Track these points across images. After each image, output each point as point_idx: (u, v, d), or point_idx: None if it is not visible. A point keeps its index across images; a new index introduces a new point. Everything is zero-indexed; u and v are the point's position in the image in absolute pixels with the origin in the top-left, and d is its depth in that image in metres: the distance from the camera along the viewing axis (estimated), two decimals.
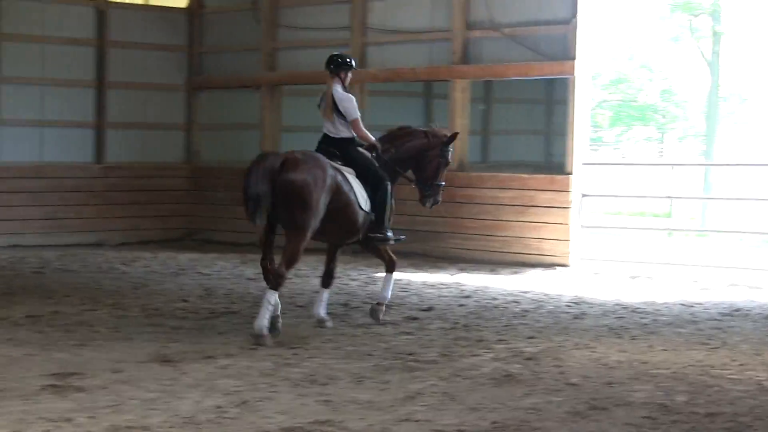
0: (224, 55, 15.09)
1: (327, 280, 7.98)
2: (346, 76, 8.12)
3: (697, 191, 25.93)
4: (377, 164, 8.00)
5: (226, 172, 14.33)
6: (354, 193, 7.68)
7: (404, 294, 9.67)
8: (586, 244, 12.56)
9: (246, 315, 8.22)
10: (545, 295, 9.89)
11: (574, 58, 11.77)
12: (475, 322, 8.34)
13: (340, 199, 7.56)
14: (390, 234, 7.98)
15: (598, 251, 13.18)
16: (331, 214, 7.45)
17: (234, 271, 11.43)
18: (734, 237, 17.82)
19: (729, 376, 6.36)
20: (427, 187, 8.28)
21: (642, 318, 8.67)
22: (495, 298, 9.58)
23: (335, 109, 7.89)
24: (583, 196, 11.83)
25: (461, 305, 9.20)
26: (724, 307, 9.22)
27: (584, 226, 12.19)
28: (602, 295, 10.03)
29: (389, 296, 8.25)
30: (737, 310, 9.07)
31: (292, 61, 14.35)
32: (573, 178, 11.74)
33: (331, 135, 7.97)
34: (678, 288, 10.61)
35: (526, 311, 8.95)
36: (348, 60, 8.19)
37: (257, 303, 7.87)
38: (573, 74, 11.87)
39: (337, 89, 7.96)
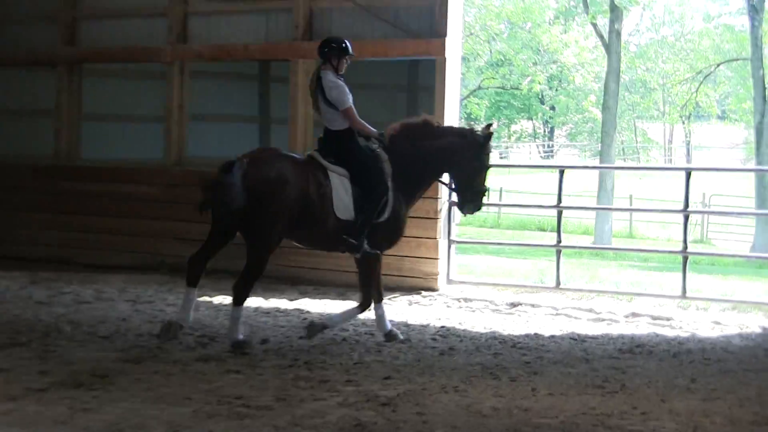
0: (13, 27, 15.62)
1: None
2: (339, 62, 9.51)
3: (592, 199, 29.46)
4: (379, 163, 9.39)
5: (11, 169, 14.96)
6: (329, 197, 9.13)
7: (226, 321, 9.95)
8: (458, 263, 13.58)
9: (36, 348, 8.63)
10: (406, 325, 10.71)
11: (443, 36, 12.66)
12: (320, 359, 8.88)
13: (309, 204, 9.02)
14: (364, 244, 9.32)
15: (472, 272, 14.65)
16: (298, 220, 8.99)
17: (20, 293, 11.87)
18: (637, 255, 20.18)
19: (629, 427, 6.95)
20: (467, 194, 9.80)
21: (523, 355, 9.36)
22: (344, 329, 10.27)
23: (323, 98, 9.35)
24: (452, 204, 12.47)
25: (303, 338, 9.83)
26: (624, 342, 10.08)
27: (455, 242, 13.21)
28: (476, 326, 10.96)
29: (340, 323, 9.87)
30: (639, 345, 9.91)
31: (96, 35, 14.87)
32: (440, 184, 12.09)
33: (328, 128, 9.47)
34: (568, 318, 11.58)
35: (382, 345, 9.60)
36: (343, 44, 9.51)
37: (48, 333, 8.66)
38: (442, 55, 12.81)
39: (327, 75, 9.40)
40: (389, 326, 9.80)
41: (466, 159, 9.71)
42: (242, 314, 9.12)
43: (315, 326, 9.53)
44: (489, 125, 9.88)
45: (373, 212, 9.27)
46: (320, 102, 9.46)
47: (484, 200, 9.98)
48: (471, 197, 9.79)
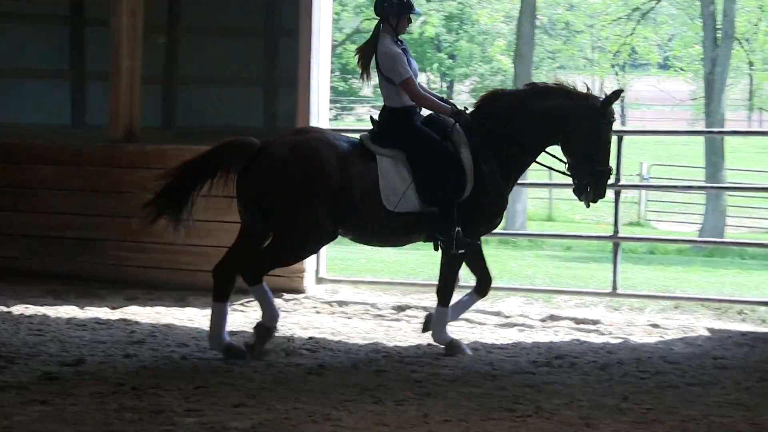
0: None
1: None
2: (399, 22, 9.98)
3: None
4: (445, 144, 9.81)
5: None
6: (376, 185, 9.68)
7: (37, 339, 10.56)
8: (328, 256, 14.29)
9: None
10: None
11: None
12: (152, 383, 9.03)
13: (349, 194, 9.65)
14: (456, 236, 9.77)
15: (348, 268, 15.10)
16: (344, 211, 9.70)
17: None
18: (557, 243, 20.75)
19: None
20: (584, 176, 9.94)
21: (413, 372, 9.62)
22: (184, 344, 10.64)
23: (378, 69, 9.95)
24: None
25: (129, 356, 10.06)
26: (539, 353, 10.45)
27: None
28: (353, 337, 11.42)
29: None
30: (558, 357, 10.25)
31: None
32: None
33: (386, 104, 10.03)
34: (470, 324, 12.05)
35: (233, 363, 9.84)
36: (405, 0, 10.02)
37: None
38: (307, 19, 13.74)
39: (384, 41, 9.92)
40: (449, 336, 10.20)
41: (580, 129, 9.91)
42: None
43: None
44: (619, 91, 10.13)
45: (449, 201, 9.70)
46: (377, 74, 10.06)
47: (608, 184, 10.10)
48: (590, 180, 9.89)
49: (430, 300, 13.31)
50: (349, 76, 55.47)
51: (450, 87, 60.99)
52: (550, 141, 10.09)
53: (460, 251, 9.96)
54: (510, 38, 45.41)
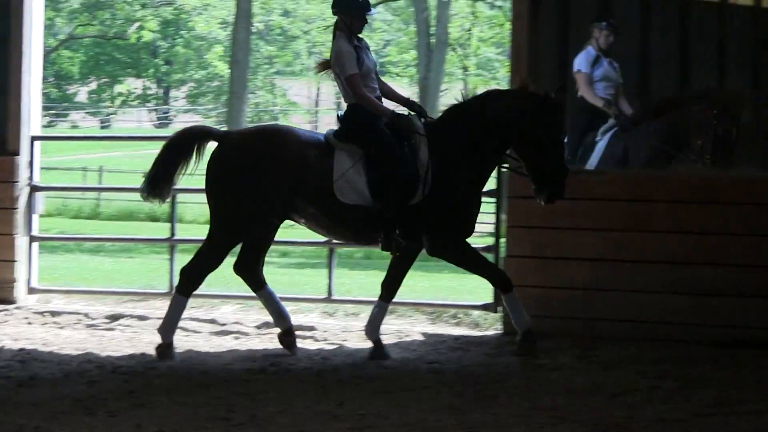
0: None
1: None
2: (352, 21, 10.30)
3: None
4: (397, 142, 10.07)
5: None
6: (331, 176, 10.02)
7: None
8: (40, 265, 14.14)
9: None
10: None
11: None
12: None
13: (305, 182, 10.07)
14: (394, 237, 10.08)
15: (62, 277, 14.90)
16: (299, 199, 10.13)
17: None
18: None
19: None
20: (542, 175, 10.09)
21: (126, 381, 9.51)
22: None
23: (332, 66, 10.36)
24: (35, 189, 13.23)
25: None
26: (254, 361, 10.51)
27: (39, 238, 14.01)
28: (65, 348, 11.17)
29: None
30: (273, 364, 10.32)
31: None
32: (18, 162, 13.24)
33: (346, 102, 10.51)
34: (184, 332, 11.85)
35: None
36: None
37: None
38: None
39: (337, 41, 10.27)
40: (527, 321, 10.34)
41: (534, 128, 10.10)
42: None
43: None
44: (562, 86, 10.61)
45: (395, 200, 10.00)
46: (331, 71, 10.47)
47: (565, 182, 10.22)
48: (549, 178, 10.03)
49: (144, 308, 13.42)
50: (63, 82, 54.65)
51: (166, 93, 60.51)
52: (507, 143, 10.35)
53: (397, 253, 10.26)
54: (227, 44, 45.24)
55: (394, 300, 11.17)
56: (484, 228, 16.44)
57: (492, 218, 12.58)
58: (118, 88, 56.87)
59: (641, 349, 10.77)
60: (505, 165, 10.89)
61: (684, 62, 12.11)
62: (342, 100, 10.70)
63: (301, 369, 10.52)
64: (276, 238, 11.02)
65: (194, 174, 11.33)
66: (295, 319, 12.23)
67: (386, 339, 11.47)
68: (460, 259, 10.56)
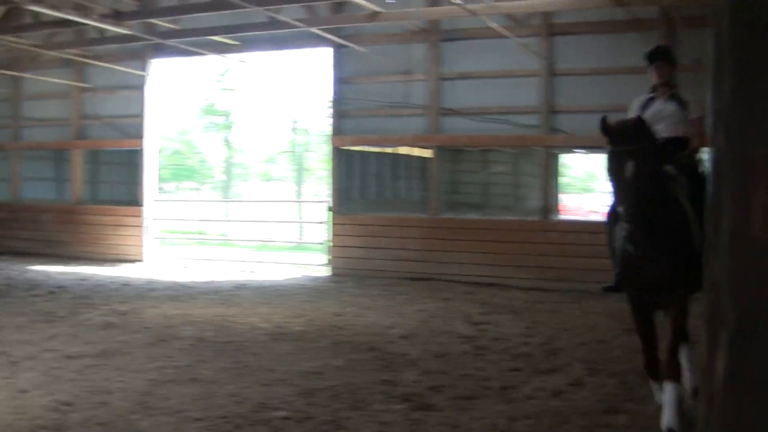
0: None
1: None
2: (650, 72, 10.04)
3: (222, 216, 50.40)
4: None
5: None
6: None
7: (45, 279, 21.34)
8: (155, 248, 26.88)
9: None
10: (131, 278, 21.76)
11: (143, 137, 26.80)
12: (90, 294, 18.25)
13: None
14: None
15: (164, 253, 27.49)
16: None
17: None
18: (243, 244, 34.28)
19: (238, 321, 14.67)
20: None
21: (187, 290, 19.23)
22: (101, 281, 21.05)
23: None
24: (152, 219, 26.86)
25: (81, 284, 19.90)
26: (234, 285, 20.69)
27: (155, 237, 26.93)
28: (165, 278, 21.68)
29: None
30: (242, 285, 20.37)
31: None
32: (145, 209, 26.66)
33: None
34: (208, 273, 23.37)
35: (120, 287, 19.57)
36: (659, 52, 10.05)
37: None
38: (143, 147, 27.61)
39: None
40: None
41: None
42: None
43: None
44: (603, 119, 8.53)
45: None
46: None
47: None
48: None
49: (196, 266, 25.28)
50: (162, 181, 67.94)
51: None
52: None
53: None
54: None
55: None
56: None
57: None
58: (182, 185, 70.45)
59: None
60: None
61: None
62: None
63: (252, 287, 19.70)
64: None
65: None
66: None
67: None
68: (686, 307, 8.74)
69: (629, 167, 8.04)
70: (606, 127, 8.39)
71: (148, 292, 19.45)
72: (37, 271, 23.67)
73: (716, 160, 1.51)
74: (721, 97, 1.56)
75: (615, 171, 8.19)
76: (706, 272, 1.47)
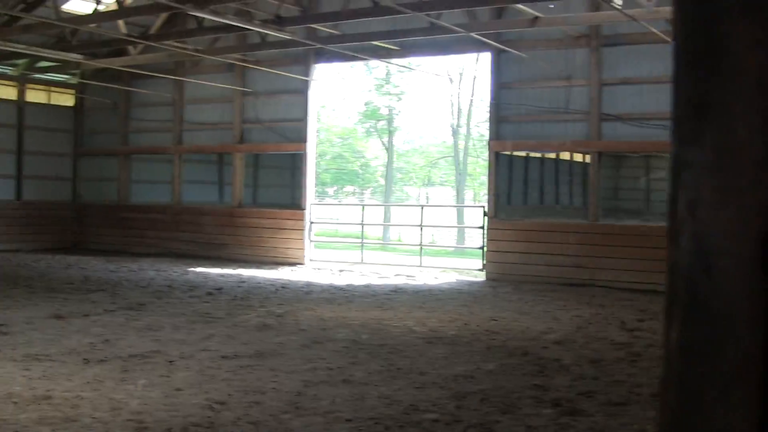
0: (96, 135, 31.65)
1: None
2: None
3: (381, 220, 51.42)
4: None
5: (98, 207, 31.26)
6: None
7: (204, 281, 22.32)
8: (314, 251, 28.15)
9: (110, 291, 19.65)
10: (290, 281, 22.77)
11: (305, 141, 27.22)
12: (248, 296, 18.95)
13: None
14: None
15: (322, 256, 28.71)
16: None
17: (101, 267, 24.84)
18: (401, 248, 34.59)
19: (392, 324, 15.19)
20: None
21: (344, 293, 19.92)
22: (260, 283, 21.96)
23: None
24: (312, 222, 27.19)
25: (240, 286, 20.81)
26: (391, 288, 21.10)
27: (312, 241, 27.29)
28: (323, 281, 22.58)
29: None
30: (398, 289, 20.71)
31: (138, 140, 30.63)
32: (306, 212, 26.99)
33: None
34: (366, 277, 24.18)
35: (278, 289, 20.31)
36: None
37: (115, 285, 20.75)
38: (305, 151, 27.49)
39: None
40: None
41: None
42: None
43: None
44: None
45: None
46: None
47: None
48: None
49: (354, 269, 25.68)
50: (322, 185, 70.39)
51: None
52: None
53: None
54: None
55: None
56: None
57: None
58: (343, 189, 72.06)
59: None
60: None
61: None
62: None
63: (409, 290, 20.47)
64: None
65: None
66: None
67: None
68: None
69: None
70: None
71: (305, 295, 20.02)
72: (197, 273, 24.54)
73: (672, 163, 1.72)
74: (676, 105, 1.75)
75: None
76: (668, 255, 1.75)
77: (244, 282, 22.48)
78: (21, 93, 32.84)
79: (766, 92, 1.67)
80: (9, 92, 32.71)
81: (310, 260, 27.87)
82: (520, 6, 20.18)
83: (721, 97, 1.69)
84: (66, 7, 28.21)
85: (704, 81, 1.74)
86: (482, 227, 25.87)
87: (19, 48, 26.73)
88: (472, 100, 64.60)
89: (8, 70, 32.49)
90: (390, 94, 65.61)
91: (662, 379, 1.88)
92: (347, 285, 22.50)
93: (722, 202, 1.69)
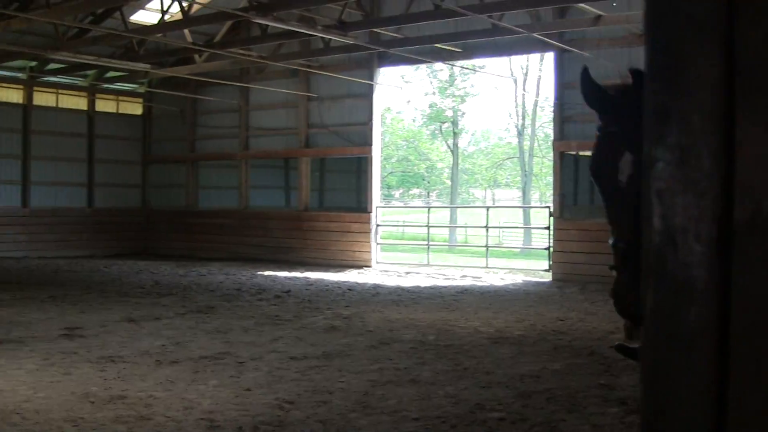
0: (164, 143, 32.30)
1: None
2: None
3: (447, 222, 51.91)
4: None
5: (166, 213, 32.03)
6: None
7: (272, 284, 22.83)
8: (381, 254, 29.28)
9: (180, 295, 20.20)
10: (356, 283, 23.44)
11: (371, 145, 27.42)
12: (315, 298, 19.62)
13: None
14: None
15: (389, 258, 30.44)
16: None
17: (171, 271, 24.93)
18: (467, 250, 34.58)
19: (459, 325, 15.50)
20: None
21: (411, 295, 20.48)
22: (327, 285, 22.57)
23: None
24: (378, 225, 27.57)
25: (307, 289, 21.55)
26: (457, 290, 21.60)
27: (379, 243, 27.68)
28: (389, 283, 23.08)
29: None
30: (465, 291, 21.25)
31: (204, 147, 31.21)
32: (372, 215, 27.29)
33: None
34: (432, 279, 24.82)
35: (345, 292, 20.95)
36: None
37: (185, 288, 20.89)
38: (370, 155, 27.77)
39: None
40: None
41: None
42: None
43: None
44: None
45: None
46: None
47: None
48: None
49: (420, 271, 25.62)
50: (388, 188, 71.54)
51: None
52: None
53: None
54: None
55: None
56: None
57: None
58: (409, 192, 73.56)
59: None
60: None
61: None
62: None
63: (476, 292, 20.48)
64: None
65: None
66: None
67: None
68: None
69: None
70: None
71: (372, 297, 20.39)
72: (265, 276, 25.07)
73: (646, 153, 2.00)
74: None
75: None
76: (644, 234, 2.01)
77: (311, 285, 22.84)
78: (91, 103, 33.64)
79: (718, 102, 1.94)
80: (80, 102, 33.54)
81: (377, 263, 28.18)
82: (582, 5, 20.15)
83: (680, 105, 1.97)
84: (133, 18, 28.82)
85: (666, 92, 2.01)
86: (548, 228, 25.92)
87: (89, 59, 27.26)
88: (536, 101, 64.42)
89: (79, 81, 33.31)
90: (454, 96, 65.61)
91: (643, 341, 2.10)
92: (414, 287, 22.67)
93: (683, 190, 1.96)
